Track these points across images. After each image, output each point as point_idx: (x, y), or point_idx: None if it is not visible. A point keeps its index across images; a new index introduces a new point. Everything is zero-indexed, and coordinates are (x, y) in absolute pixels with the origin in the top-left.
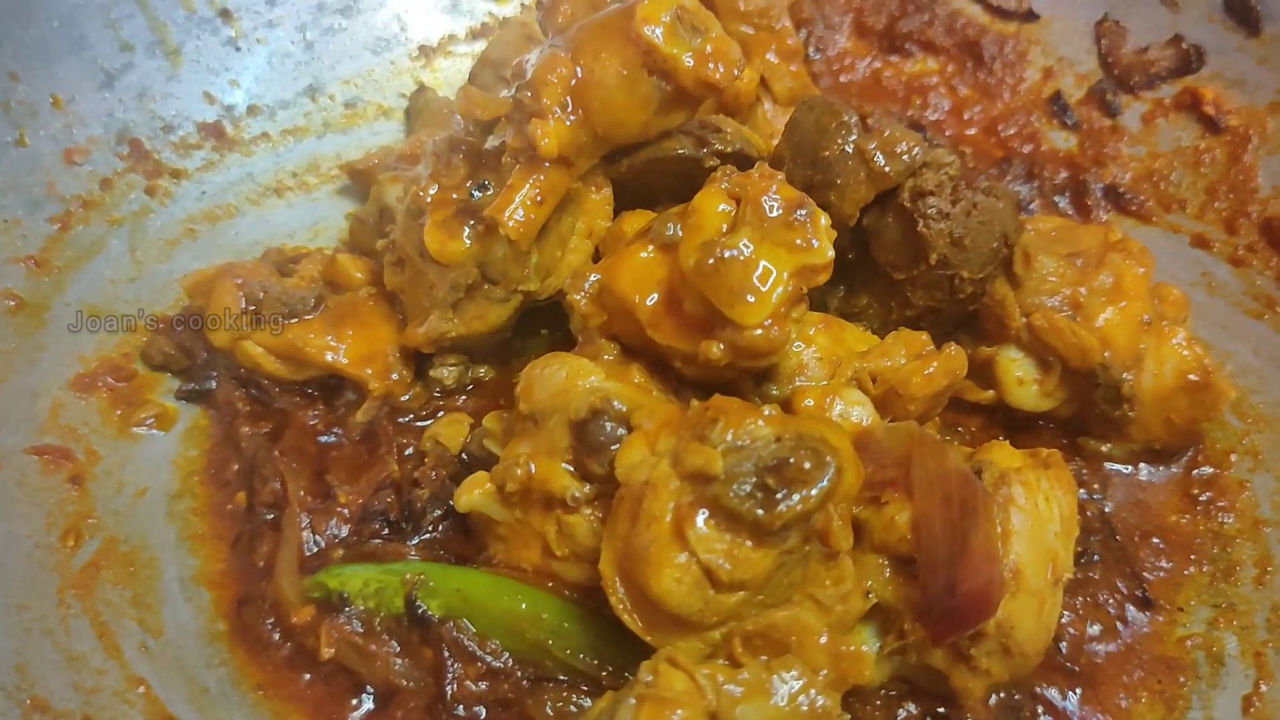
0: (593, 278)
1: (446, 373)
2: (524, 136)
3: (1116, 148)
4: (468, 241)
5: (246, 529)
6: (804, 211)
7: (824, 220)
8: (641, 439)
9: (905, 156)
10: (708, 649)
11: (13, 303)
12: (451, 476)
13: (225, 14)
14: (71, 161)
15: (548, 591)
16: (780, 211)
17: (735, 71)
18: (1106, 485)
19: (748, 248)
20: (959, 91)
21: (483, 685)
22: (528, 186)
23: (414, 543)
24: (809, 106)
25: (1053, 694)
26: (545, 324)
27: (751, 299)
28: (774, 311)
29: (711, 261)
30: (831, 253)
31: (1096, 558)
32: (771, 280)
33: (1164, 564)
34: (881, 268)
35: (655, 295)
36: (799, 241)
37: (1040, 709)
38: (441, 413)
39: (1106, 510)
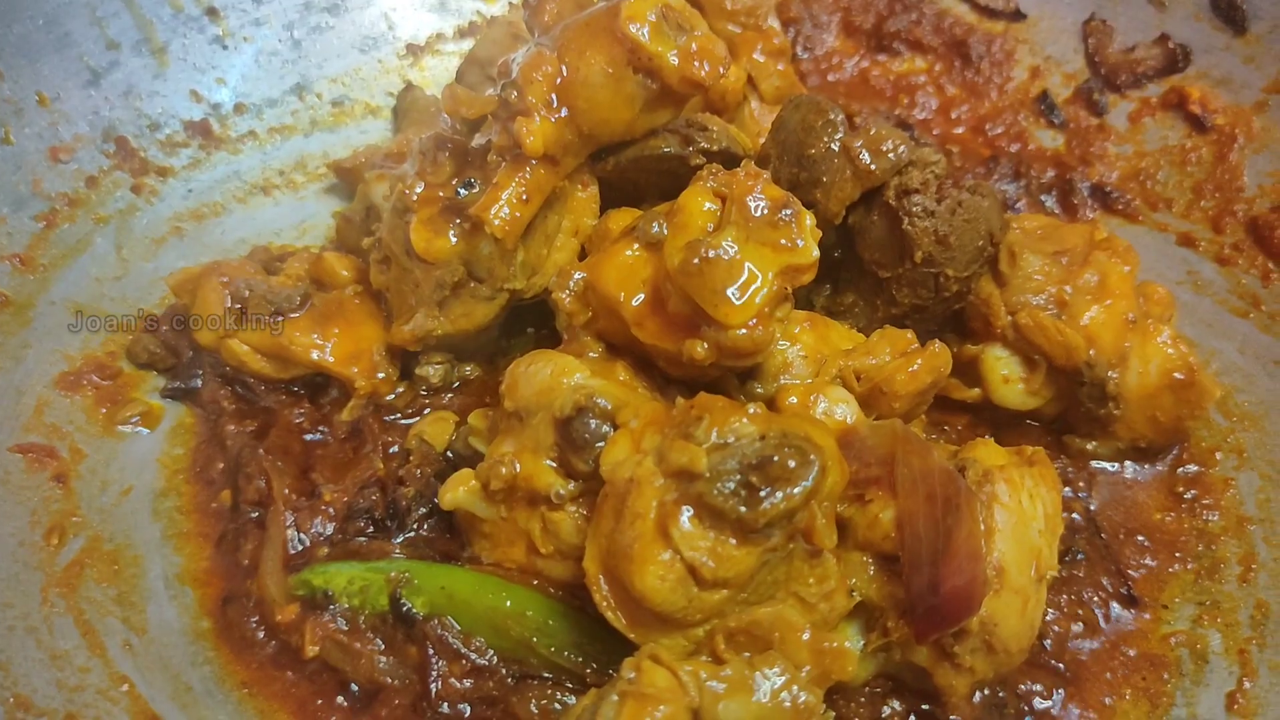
0: (577, 276)
1: (432, 371)
2: (510, 135)
3: (1103, 146)
4: (453, 239)
5: (231, 527)
6: (789, 211)
7: (809, 220)
8: (626, 437)
9: (891, 154)
10: (691, 646)
11: None
12: (437, 474)
13: (212, 12)
14: (57, 159)
15: (532, 589)
16: (765, 211)
17: (720, 70)
18: (1092, 483)
19: (732, 247)
20: (946, 90)
21: (467, 683)
22: (513, 185)
23: (399, 541)
24: (795, 105)
25: (1037, 691)
26: (531, 322)
27: (736, 299)
28: (758, 311)
29: (696, 261)
30: (816, 253)
31: (1081, 555)
32: (756, 280)
33: (1149, 561)
34: (867, 266)
35: (640, 294)
36: (784, 241)
37: (1024, 706)
38: (427, 410)
39: (1091, 508)
